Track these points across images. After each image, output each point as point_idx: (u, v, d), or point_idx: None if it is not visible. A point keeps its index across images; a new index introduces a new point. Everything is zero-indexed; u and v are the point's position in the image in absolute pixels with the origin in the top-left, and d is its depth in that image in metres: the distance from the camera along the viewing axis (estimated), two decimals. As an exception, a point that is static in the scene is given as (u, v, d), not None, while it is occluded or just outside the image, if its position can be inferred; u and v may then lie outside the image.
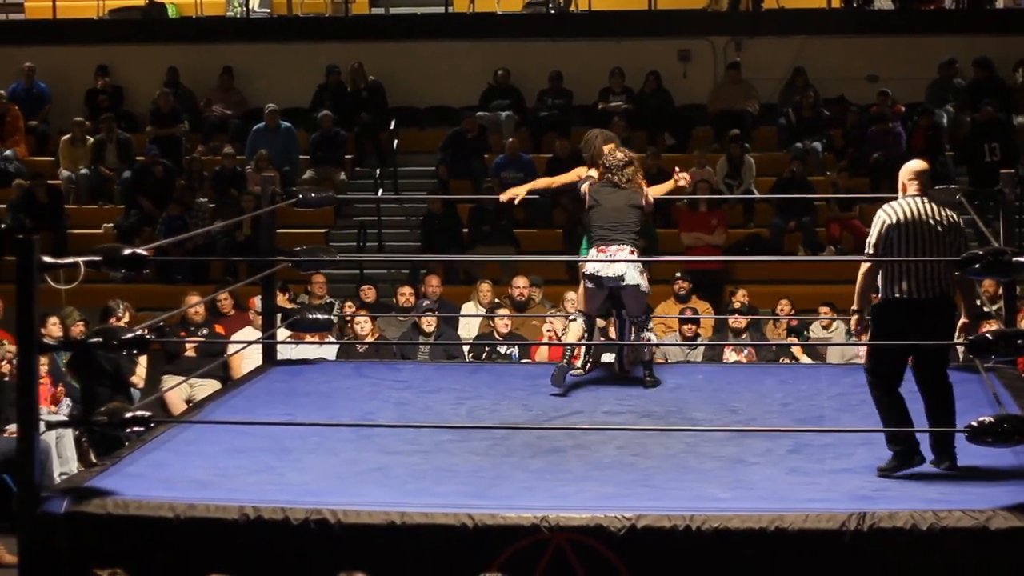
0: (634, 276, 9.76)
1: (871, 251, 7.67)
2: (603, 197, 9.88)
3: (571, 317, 10.34)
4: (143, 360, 11.74)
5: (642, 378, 9.95)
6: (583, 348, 10.09)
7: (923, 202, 7.68)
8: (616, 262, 9.72)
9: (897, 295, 7.61)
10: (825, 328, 13.78)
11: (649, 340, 10.10)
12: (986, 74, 18.27)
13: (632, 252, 9.71)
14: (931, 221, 7.63)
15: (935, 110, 17.97)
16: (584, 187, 10.04)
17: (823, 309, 13.68)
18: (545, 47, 19.53)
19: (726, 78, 19.12)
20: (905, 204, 7.69)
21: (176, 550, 7.02)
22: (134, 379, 11.79)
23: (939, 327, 7.67)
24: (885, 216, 7.68)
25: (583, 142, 10.41)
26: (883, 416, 7.70)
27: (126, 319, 11.60)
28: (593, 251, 9.80)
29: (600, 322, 11.21)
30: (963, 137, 17.84)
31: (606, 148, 10.09)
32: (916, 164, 7.89)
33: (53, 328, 11.84)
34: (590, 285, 9.90)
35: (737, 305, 13.79)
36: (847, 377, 10.16)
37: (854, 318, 7.84)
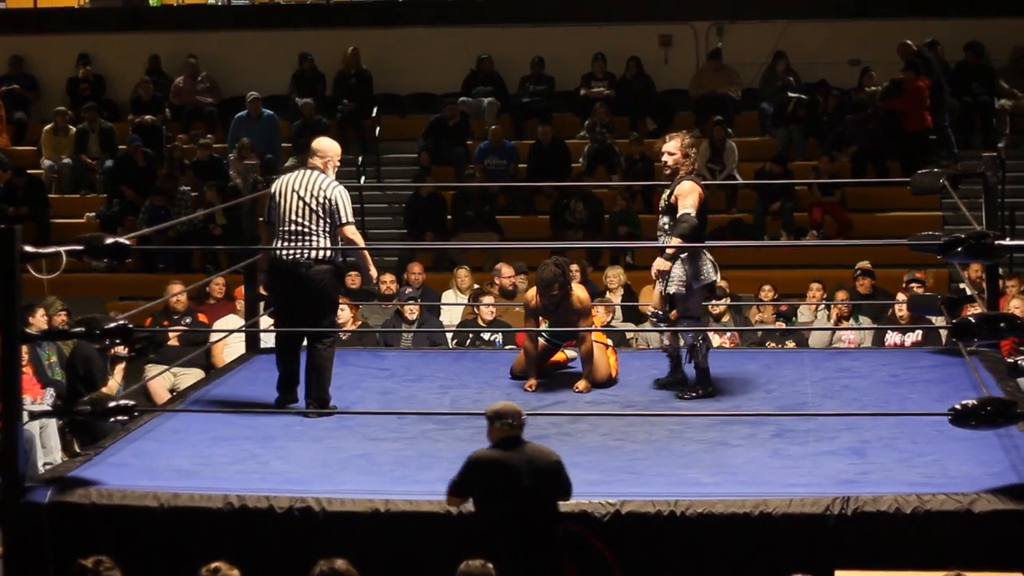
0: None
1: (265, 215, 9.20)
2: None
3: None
4: (119, 373, 11.53)
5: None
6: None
7: (302, 175, 9.04)
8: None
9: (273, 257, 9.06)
10: (812, 309, 13.74)
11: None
12: (976, 59, 18.21)
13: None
14: (294, 191, 8.96)
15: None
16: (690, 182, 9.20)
17: (814, 285, 13.68)
18: (527, 33, 19.51)
19: (708, 63, 19.10)
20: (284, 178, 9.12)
21: (160, 539, 7.03)
22: (105, 390, 11.66)
23: (298, 289, 8.94)
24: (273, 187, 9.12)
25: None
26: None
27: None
28: (708, 257, 9.26)
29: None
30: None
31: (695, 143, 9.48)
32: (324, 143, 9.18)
33: (41, 321, 11.76)
34: (706, 293, 9.42)
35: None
36: (830, 362, 10.19)
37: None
